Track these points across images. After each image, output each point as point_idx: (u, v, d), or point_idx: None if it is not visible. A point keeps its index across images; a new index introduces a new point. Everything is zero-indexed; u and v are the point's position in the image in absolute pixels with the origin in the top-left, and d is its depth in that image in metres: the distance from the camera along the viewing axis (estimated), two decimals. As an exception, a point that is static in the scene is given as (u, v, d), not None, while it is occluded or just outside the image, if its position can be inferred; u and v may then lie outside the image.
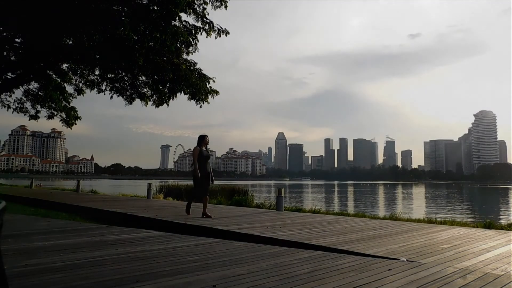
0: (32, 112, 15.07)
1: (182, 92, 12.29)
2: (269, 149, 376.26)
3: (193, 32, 11.08)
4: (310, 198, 34.53)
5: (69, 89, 14.65)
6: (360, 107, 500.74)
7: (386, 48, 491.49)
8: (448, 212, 21.10)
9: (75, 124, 15.24)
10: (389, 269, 3.34)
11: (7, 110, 14.21)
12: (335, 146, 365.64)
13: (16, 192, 15.78)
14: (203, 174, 7.28)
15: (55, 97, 14.09)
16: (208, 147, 7.77)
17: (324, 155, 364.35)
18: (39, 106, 14.94)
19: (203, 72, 12.32)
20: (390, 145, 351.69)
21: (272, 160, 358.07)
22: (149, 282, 2.82)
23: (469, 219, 13.97)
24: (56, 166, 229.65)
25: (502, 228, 7.08)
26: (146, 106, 13.39)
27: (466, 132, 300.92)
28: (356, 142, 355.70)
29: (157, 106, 13.29)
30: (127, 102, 13.66)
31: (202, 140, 7.49)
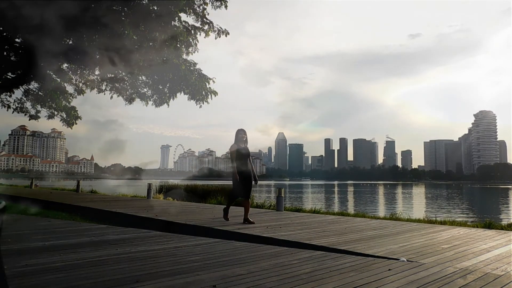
0: (32, 112, 15.07)
1: (182, 92, 12.31)
2: (269, 149, 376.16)
3: (193, 32, 11.10)
4: (310, 198, 34.54)
5: (69, 89, 14.66)
6: (360, 107, 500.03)
7: (386, 48, 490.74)
8: (448, 212, 21.11)
9: (76, 124, 15.24)
10: (389, 269, 3.34)
11: (7, 110, 14.21)
12: (335, 146, 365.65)
13: (16, 192, 15.78)
14: (243, 174, 6.48)
15: (55, 97, 14.09)
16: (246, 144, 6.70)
17: (324, 155, 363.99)
18: (39, 106, 14.94)
19: (203, 72, 12.34)
20: (390, 145, 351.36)
21: (272, 160, 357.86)
22: (149, 282, 2.82)
23: (469, 219, 13.97)
24: (56, 166, 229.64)
25: (502, 228, 7.08)
26: (146, 106, 13.41)
27: (466, 132, 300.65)
28: (356, 142, 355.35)
29: (157, 106, 13.30)
30: (127, 102, 13.68)
31: (238, 136, 6.61)
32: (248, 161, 6.62)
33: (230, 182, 6.83)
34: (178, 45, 10.89)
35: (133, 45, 9.53)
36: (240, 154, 6.52)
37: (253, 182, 6.67)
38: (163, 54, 10.69)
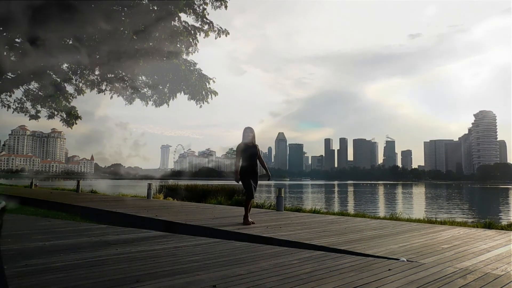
0: (32, 112, 15.09)
1: (182, 92, 12.34)
2: (269, 149, 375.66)
3: (193, 32, 11.12)
4: (310, 198, 34.54)
5: (69, 89, 14.67)
6: (360, 107, 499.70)
7: (386, 48, 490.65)
8: (448, 212, 21.11)
9: (76, 123, 15.26)
10: (389, 269, 3.34)
11: (7, 110, 14.23)
12: (335, 146, 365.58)
13: (16, 192, 15.78)
14: (246, 174, 6.37)
15: (55, 96, 14.10)
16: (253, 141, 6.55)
17: (324, 155, 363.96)
18: (39, 106, 14.96)
19: (203, 72, 12.36)
20: (390, 145, 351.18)
21: (272, 160, 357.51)
22: (149, 282, 2.82)
23: (469, 219, 13.96)
24: (56, 166, 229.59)
25: (502, 228, 7.08)
26: (146, 106, 13.44)
27: (466, 132, 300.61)
28: (356, 142, 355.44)
29: (157, 106, 13.33)
30: (127, 102, 13.71)
31: (244, 134, 6.52)
32: (257, 159, 6.54)
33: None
34: (178, 45, 10.91)
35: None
36: (245, 153, 6.43)
37: (266, 179, 6.80)
38: (163, 54, 10.69)
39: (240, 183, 6.50)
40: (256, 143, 6.65)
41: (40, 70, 11.75)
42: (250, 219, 6.46)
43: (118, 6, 10.26)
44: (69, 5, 8.42)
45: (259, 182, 6.68)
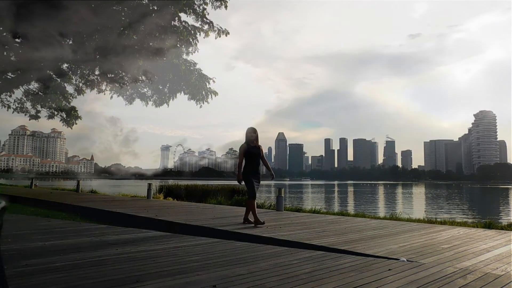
0: (32, 112, 15.10)
1: (182, 92, 12.35)
2: (269, 149, 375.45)
3: (193, 32, 11.13)
4: (310, 198, 34.53)
5: (69, 89, 14.68)
6: (360, 107, 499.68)
7: (386, 48, 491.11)
8: (448, 212, 21.11)
9: (76, 124, 15.28)
10: (389, 269, 3.34)
11: (7, 110, 14.24)
12: (335, 146, 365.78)
13: (16, 192, 15.78)
14: (248, 174, 6.37)
15: (55, 97, 14.11)
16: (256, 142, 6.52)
17: (324, 155, 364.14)
18: (39, 106, 14.96)
19: (203, 72, 12.37)
20: (390, 145, 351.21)
21: (272, 160, 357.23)
22: (149, 282, 2.82)
23: (469, 219, 13.96)
24: (56, 166, 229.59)
25: (502, 228, 7.08)
26: (146, 106, 13.46)
27: (466, 132, 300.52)
28: (356, 142, 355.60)
29: (157, 106, 13.34)
30: (127, 102, 13.72)
31: (247, 134, 6.47)
32: (260, 159, 6.51)
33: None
34: (178, 45, 10.91)
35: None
36: (248, 153, 6.41)
37: (269, 178, 6.90)
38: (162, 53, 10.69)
39: (243, 183, 6.48)
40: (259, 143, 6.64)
41: (37, 67, 11.71)
42: (251, 219, 6.44)
43: (118, 6, 10.27)
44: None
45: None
